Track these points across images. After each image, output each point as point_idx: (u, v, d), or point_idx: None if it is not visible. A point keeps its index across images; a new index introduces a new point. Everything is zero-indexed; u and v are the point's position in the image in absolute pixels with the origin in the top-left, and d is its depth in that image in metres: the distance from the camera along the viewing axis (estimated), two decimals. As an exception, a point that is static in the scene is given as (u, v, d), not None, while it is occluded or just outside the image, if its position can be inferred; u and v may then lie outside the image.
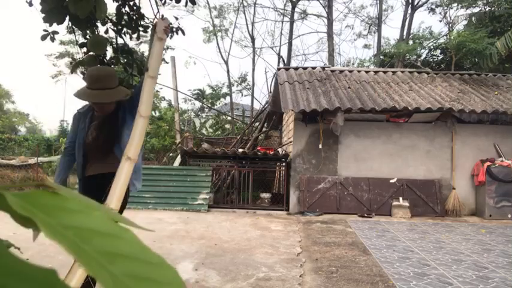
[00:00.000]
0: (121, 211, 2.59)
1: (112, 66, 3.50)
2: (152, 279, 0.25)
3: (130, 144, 1.74)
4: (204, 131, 16.36)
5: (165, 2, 3.67)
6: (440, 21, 27.09)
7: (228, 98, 19.06)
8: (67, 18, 2.57)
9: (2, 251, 0.22)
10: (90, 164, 2.64)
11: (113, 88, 2.49)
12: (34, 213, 0.25)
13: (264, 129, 12.57)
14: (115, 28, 3.40)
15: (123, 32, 3.45)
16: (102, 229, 0.27)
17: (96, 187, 2.40)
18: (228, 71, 18.04)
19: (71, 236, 0.25)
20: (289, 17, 18.46)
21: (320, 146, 7.59)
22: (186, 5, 3.54)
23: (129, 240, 0.27)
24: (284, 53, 18.25)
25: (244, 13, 18.10)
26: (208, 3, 18.36)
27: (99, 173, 2.55)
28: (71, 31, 3.57)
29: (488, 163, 7.27)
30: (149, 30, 3.60)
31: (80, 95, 2.51)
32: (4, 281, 0.20)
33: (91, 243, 0.25)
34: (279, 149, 9.90)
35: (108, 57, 3.50)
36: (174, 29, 3.68)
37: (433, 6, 16.57)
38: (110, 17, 3.34)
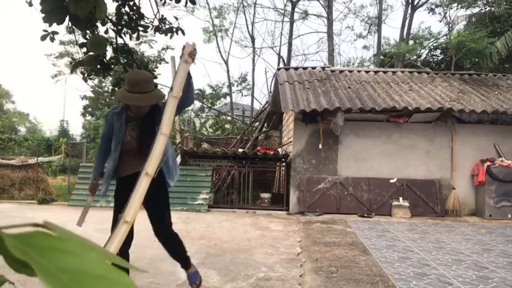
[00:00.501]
0: (167, 208, 2.88)
1: (112, 66, 3.50)
2: None
3: (149, 160, 1.82)
4: (204, 131, 16.37)
5: (165, 2, 3.68)
6: (440, 21, 27.12)
7: (228, 98, 19.07)
8: (67, 18, 2.57)
9: None
10: (128, 163, 2.79)
11: (150, 92, 2.66)
12: (31, 256, 0.26)
13: (264, 129, 12.57)
14: (115, 28, 3.40)
15: (123, 32, 3.45)
16: (96, 272, 0.28)
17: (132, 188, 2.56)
18: (228, 71, 18.06)
19: (66, 280, 0.26)
20: (289, 17, 18.46)
21: (320, 146, 7.59)
22: (186, 5, 3.54)
23: (123, 282, 0.28)
24: (284, 53, 18.28)
25: (244, 13, 18.11)
26: (208, 3, 18.38)
27: (134, 172, 2.64)
28: (71, 31, 3.58)
29: (488, 163, 7.26)
30: (149, 30, 3.61)
31: (120, 97, 2.73)
32: None
33: (85, 286, 0.26)
34: (279, 149, 9.90)
35: (108, 57, 3.50)
36: (174, 29, 3.68)
37: (433, 7, 16.59)
38: (109, 17, 3.34)
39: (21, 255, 0.26)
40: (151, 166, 1.78)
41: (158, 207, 2.84)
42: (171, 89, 2.04)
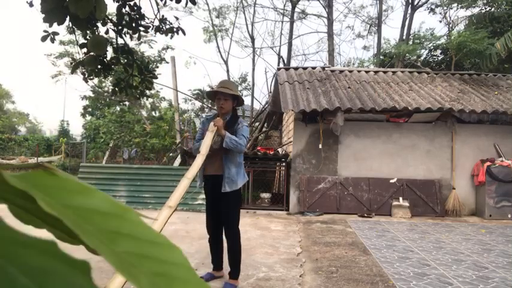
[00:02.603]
0: (232, 212, 3.37)
1: (112, 66, 3.50)
2: (156, 258, 0.24)
3: (172, 197, 2.06)
4: (204, 131, 16.28)
5: (165, 2, 3.68)
6: (441, 21, 27.12)
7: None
8: (67, 18, 2.57)
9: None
10: (210, 164, 3.23)
11: (232, 90, 3.29)
12: (32, 190, 0.24)
13: (264, 129, 12.56)
14: (115, 28, 3.40)
15: (123, 32, 3.45)
16: (103, 209, 0.26)
17: (212, 187, 3.33)
18: (227, 71, 18.04)
19: (71, 215, 0.24)
20: (289, 17, 18.44)
21: (320, 146, 7.59)
22: (186, 5, 3.54)
23: (131, 220, 0.26)
24: (284, 53, 18.24)
25: (244, 13, 18.09)
26: (207, 3, 18.36)
27: (212, 174, 3.28)
28: (71, 31, 3.58)
29: (488, 163, 7.26)
30: (149, 30, 3.61)
31: (210, 91, 3.43)
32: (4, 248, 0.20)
33: (92, 222, 0.24)
34: (279, 149, 9.90)
35: (108, 58, 3.51)
36: (175, 29, 3.69)
37: (433, 7, 16.57)
38: (110, 17, 3.34)
39: (23, 187, 0.23)
40: (173, 200, 1.98)
41: (224, 211, 3.34)
42: (199, 151, 2.66)
